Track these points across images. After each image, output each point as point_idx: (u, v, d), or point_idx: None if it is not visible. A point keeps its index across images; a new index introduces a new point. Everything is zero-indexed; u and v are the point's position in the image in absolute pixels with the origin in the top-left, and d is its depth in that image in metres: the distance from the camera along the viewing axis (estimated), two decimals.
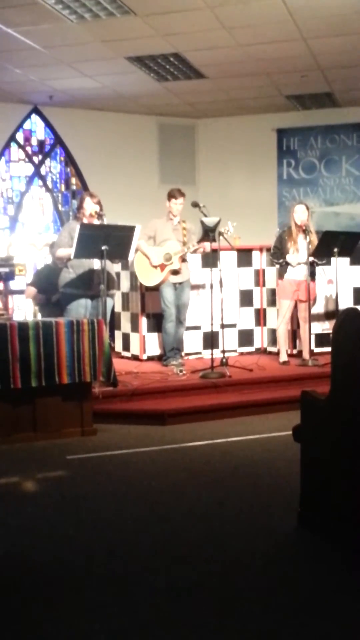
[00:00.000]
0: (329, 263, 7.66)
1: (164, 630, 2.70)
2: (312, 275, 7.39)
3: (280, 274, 7.49)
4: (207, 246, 7.04)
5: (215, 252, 7.10)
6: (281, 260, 7.41)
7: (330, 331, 7.18)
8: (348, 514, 3.34)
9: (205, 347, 7.82)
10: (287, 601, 2.92)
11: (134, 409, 6.20)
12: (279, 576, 3.17)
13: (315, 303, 7.68)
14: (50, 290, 7.35)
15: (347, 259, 7.82)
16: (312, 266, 7.35)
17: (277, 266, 7.52)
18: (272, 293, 8.02)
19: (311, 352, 7.62)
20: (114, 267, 7.16)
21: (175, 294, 7.32)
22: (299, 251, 7.38)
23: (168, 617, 2.79)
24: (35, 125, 11.02)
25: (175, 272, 7.27)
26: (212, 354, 6.94)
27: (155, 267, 7.22)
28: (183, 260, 7.30)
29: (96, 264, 6.51)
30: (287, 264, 7.39)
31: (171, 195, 7.31)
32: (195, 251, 7.21)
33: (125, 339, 8.21)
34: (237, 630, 2.69)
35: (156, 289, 7.35)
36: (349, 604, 2.89)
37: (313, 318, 7.68)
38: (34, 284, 8.06)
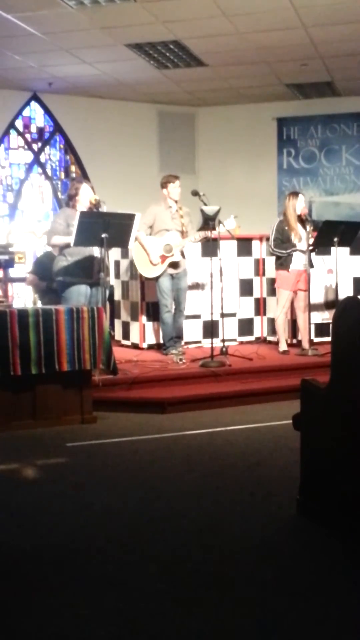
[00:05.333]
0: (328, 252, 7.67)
1: (163, 616, 2.71)
2: (311, 263, 7.39)
3: (285, 265, 7.43)
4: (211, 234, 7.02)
5: (215, 241, 7.09)
6: (290, 250, 7.37)
7: (330, 321, 7.19)
8: (348, 501, 3.35)
9: (205, 336, 7.82)
10: (287, 588, 2.94)
11: (134, 397, 6.20)
12: (278, 564, 3.18)
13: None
14: (51, 277, 7.34)
15: (347, 249, 7.81)
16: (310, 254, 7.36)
17: (282, 256, 7.44)
18: (272, 282, 8.01)
19: (311, 342, 7.62)
20: (109, 255, 7.12)
21: (172, 283, 7.31)
22: (301, 240, 7.38)
23: (167, 604, 2.80)
24: (35, 112, 10.99)
25: (174, 264, 7.26)
26: (212, 343, 6.95)
27: (156, 262, 7.20)
28: (182, 253, 7.30)
29: (94, 251, 6.49)
30: (298, 251, 7.35)
31: (167, 182, 7.27)
32: (200, 240, 7.21)
33: (125, 327, 8.21)
34: (237, 617, 2.70)
35: (155, 279, 7.34)
36: (348, 591, 2.91)
37: (313, 308, 7.68)
38: (35, 272, 8.05)
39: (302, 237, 7.38)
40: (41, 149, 11.09)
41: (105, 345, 5.71)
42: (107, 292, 6.89)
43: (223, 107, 11.60)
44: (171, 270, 7.27)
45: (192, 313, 7.83)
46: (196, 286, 7.80)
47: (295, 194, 7.66)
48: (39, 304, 7.76)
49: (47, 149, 11.16)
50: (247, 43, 8.49)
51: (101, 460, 4.77)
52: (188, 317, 7.71)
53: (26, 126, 10.98)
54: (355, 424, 3.33)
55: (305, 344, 7.50)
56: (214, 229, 6.93)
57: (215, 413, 6.00)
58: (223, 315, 7.11)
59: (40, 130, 11.06)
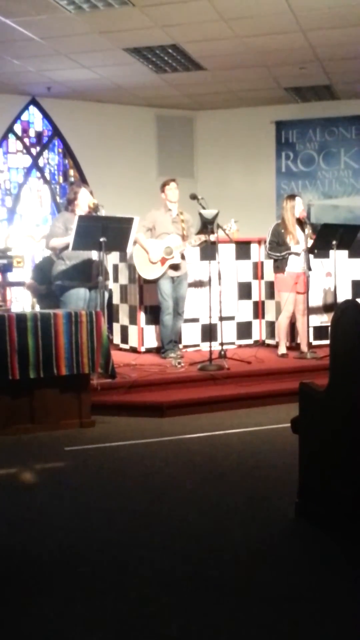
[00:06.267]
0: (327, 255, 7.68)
1: (162, 621, 2.70)
2: (309, 266, 7.38)
3: (280, 267, 7.44)
4: (212, 237, 7.01)
5: (213, 244, 7.09)
6: (284, 253, 7.37)
7: (329, 324, 7.18)
8: (346, 504, 3.35)
9: (204, 339, 7.82)
10: (286, 591, 2.93)
11: (133, 401, 6.20)
12: (277, 566, 3.17)
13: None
14: (50, 280, 7.35)
15: (345, 252, 7.81)
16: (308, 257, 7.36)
17: (278, 259, 7.44)
18: (271, 286, 8.01)
19: (309, 345, 7.62)
20: (108, 259, 7.12)
21: (172, 286, 7.32)
22: (299, 243, 7.38)
23: (166, 608, 2.80)
24: (33, 116, 10.99)
25: (175, 267, 7.27)
26: (210, 347, 6.94)
27: (156, 261, 7.22)
28: (182, 256, 7.31)
29: (93, 255, 6.49)
30: (293, 254, 7.34)
31: (164, 184, 7.34)
32: (199, 245, 7.21)
33: (124, 331, 8.21)
34: (236, 620, 2.69)
35: (153, 281, 7.35)
36: (347, 593, 2.90)
37: (311, 311, 7.68)
38: (34, 277, 8.06)
39: (299, 240, 7.38)
40: (40, 153, 11.09)
41: (104, 349, 5.70)
42: (107, 296, 6.89)
43: (221, 110, 11.60)
44: (172, 273, 7.28)
45: (191, 316, 7.83)
46: (195, 289, 7.79)
47: (292, 196, 7.66)
48: (38, 308, 7.75)
49: (45, 153, 11.16)
50: (246, 47, 8.50)
51: (99, 464, 4.77)
52: (187, 320, 7.71)
53: (25, 130, 10.98)
54: (354, 427, 3.32)
55: (304, 347, 7.50)
56: (212, 232, 6.93)
57: (213, 416, 6.00)
58: (222, 318, 7.11)
59: (39, 135, 11.07)
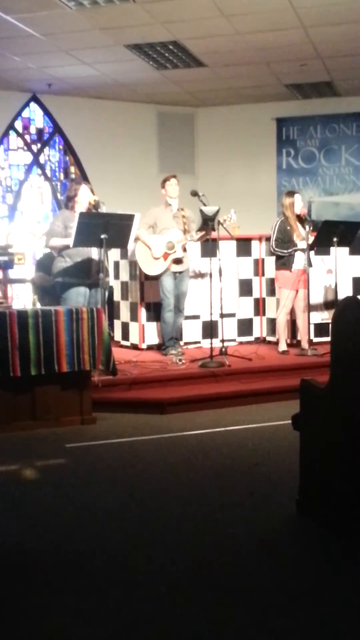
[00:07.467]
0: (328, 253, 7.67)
1: (163, 617, 2.71)
2: (310, 262, 7.37)
3: (287, 265, 7.41)
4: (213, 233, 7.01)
5: (214, 241, 7.09)
6: (291, 250, 7.35)
7: (330, 321, 7.19)
8: (347, 502, 3.35)
9: (205, 336, 7.82)
10: (286, 589, 2.94)
11: (134, 397, 6.20)
12: (278, 564, 3.18)
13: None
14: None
15: (346, 249, 7.81)
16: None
17: (284, 256, 7.42)
18: (272, 283, 8.00)
19: (310, 342, 7.62)
20: (109, 256, 7.13)
21: (174, 283, 7.32)
22: (303, 239, 7.37)
23: (167, 604, 2.80)
24: (34, 113, 10.99)
25: (178, 261, 7.27)
26: (211, 343, 6.95)
27: (158, 257, 7.22)
28: (184, 249, 7.31)
29: (93, 252, 6.49)
30: (299, 251, 7.33)
31: (165, 180, 7.35)
32: (200, 239, 7.20)
33: (125, 328, 8.21)
34: (237, 618, 2.70)
35: (156, 278, 7.35)
36: (347, 591, 2.91)
37: (312, 308, 7.68)
38: (40, 270, 8.07)
39: (303, 236, 7.38)
40: (40, 150, 11.09)
41: (105, 346, 5.70)
42: (107, 293, 6.90)
43: (222, 107, 11.60)
44: (175, 268, 7.28)
45: (192, 313, 7.83)
46: (196, 286, 7.79)
47: (291, 193, 7.65)
48: (39, 305, 7.75)
49: (46, 150, 11.16)
50: (246, 43, 8.49)
51: (100, 461, 4.77)
52: (187, 317, 7.72)
53: (25, 127, 10.98)
54: (355, 424, 3.33)
55: (305, 344, 7.50)
56: (213, 229, 6.92)
57: (214, 413, 6.00)
58: (222, 315, 7.11)
59: (40, 131, 11.06)
